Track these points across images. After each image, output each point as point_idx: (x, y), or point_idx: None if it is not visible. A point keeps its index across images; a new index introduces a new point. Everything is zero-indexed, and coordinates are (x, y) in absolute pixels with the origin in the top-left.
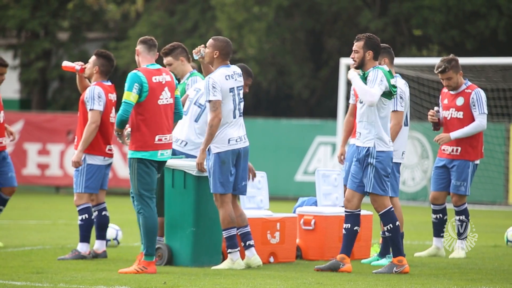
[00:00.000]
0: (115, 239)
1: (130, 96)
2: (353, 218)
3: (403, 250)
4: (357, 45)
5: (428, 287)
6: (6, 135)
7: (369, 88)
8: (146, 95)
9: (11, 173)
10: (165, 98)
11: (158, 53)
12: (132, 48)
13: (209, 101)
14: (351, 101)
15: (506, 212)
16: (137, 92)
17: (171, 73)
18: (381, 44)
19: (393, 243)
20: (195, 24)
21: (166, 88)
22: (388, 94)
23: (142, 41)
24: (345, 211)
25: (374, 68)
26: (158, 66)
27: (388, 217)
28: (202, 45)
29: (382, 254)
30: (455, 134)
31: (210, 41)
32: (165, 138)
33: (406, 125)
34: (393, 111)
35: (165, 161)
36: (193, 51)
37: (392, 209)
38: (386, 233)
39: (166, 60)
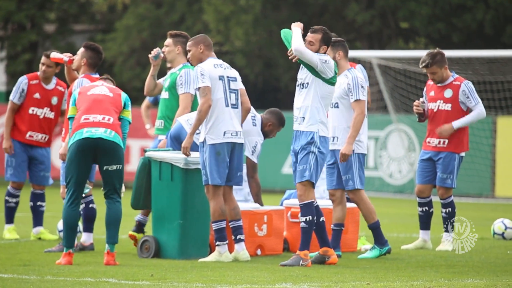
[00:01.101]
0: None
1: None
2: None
3: (309, 244)
4: (314, 37)
5: (415, 280)
6: (46, 131)
7: (304, 45)
8: (77, 94)
9: (44, 173)
10: (99, 91)
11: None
12: (119, 41)
13: (198, 88)
14: None
15: (493, 204)
16: (72, 103)
17: (119, 90)
18: (335, 38)
19: (305, 236)
20: (182, 17)
21: (103, 87)
22: (330, 80)
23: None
24: None
25: None
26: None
27: (309, 209)
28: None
29: (332, 247)
30: (457, 124)
31: (190, 42)
32: (94, 117)
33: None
34: (356, 100)
35: (107, 141)
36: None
37: (314, 201)
38: (302, 224)
39: (166, 41)
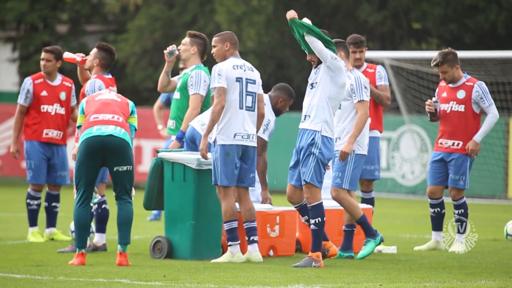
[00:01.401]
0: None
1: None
2: (303, 211)
3: (321, 246)
4: None
5: (427, 281)
6: (60, 128)
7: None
8: (85, 103)
9: (60, 172)
10: (107, 97)
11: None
12: (132, 41)
13: (214, 88)
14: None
15: (506, 205)
16: (80, 112)
17: (125, 98)
18: (337, 39)
19: (316, 238)
20: (194, 17)
21: (111, 94)
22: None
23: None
24: (296, 207)
25: None
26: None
27: (318, 211)
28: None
29: (345, 248)
30: (479, 137)
31: (216, 38)
32: (104, 116)
33: None
34: (359, 101)
35: (117, 139)
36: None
37: (322, 202)
38: (312, 226)
39: (184, 39)
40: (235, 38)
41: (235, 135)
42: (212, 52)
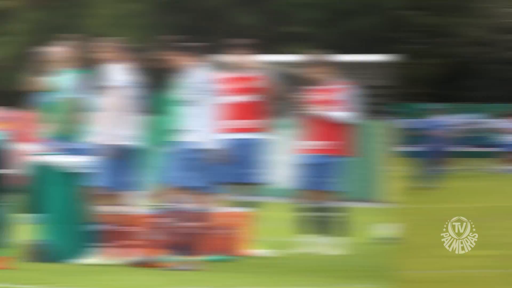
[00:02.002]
0: None
1: None
2: None
3: None
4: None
5: (296, 285)
6: None
7: None
8: None
9: None
10: None
11: None
12: (5, 45)
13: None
14: None
15: (375, 209)
16: None
17: None
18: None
19: (194, 240)
20: (67, 21)
21: None
22: None
23: None
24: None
25: None
26: None
27: (196, 215)
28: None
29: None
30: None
31: (108, 44)
32: None
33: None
34: None
35: None
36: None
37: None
38: (187, 230)
39: (59, 42)
40: (124, 45)
41: (124, 136)
42: (99, 57)
